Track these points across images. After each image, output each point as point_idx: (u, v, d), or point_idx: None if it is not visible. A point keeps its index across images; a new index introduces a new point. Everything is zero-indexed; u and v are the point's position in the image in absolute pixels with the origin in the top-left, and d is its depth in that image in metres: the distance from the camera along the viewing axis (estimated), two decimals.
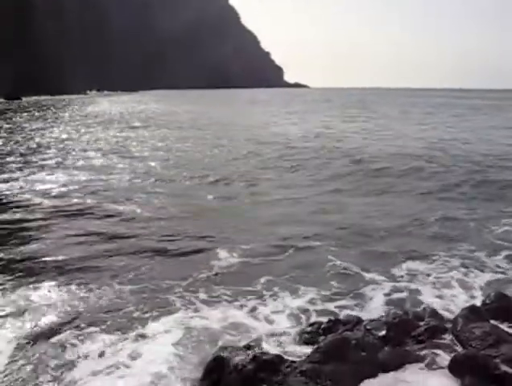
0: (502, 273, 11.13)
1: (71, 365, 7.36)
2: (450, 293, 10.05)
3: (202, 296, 9.95)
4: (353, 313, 9.11)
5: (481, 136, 40.33)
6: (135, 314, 9.10)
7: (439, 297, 9.87)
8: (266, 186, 21.16)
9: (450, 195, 19.39)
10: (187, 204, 17.61)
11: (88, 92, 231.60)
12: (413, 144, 34.68)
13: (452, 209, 16.85)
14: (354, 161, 27.28)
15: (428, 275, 10.98)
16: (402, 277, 10.95)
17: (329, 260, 11.88)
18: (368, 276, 10.99)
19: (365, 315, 8.90)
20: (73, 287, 10.23)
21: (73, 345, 7.95)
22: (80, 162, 27.66)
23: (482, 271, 11.19)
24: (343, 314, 9.11)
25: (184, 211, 16.59)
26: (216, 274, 11.08)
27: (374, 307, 9.49)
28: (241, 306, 9.58)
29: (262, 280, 10.74)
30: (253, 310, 9.45)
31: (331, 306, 9.58)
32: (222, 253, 12.33)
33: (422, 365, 6.72)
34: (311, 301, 9.79)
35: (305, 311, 9.36)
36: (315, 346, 7.10)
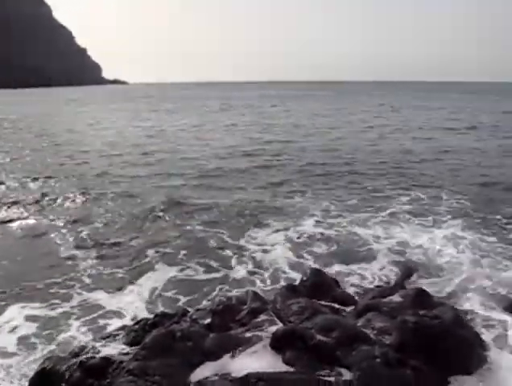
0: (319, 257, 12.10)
1: None
2: (267, 274, 10.65)
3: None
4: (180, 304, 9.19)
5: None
6: None
7: (261, 281, 10.41)
8: None
9: None
10: None
11: None
12: None
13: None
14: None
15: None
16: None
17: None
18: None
19: (193, 305, 9.02)
20: None
21: None
22: None
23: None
24: (170, 308, 9.13)
25: None
26: None
27: (201, 296, 9.66)
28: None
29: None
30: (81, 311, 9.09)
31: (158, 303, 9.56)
32: None
33: (246, 347, 6.90)
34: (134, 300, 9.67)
35: (132, 309, 9.21)
36: (142, 344, 6.98)
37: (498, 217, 14.84)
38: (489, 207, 16.07)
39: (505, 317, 8.57)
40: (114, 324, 8.75)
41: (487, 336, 7.94)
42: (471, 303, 9.17)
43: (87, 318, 9.08)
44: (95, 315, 9.19)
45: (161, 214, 15.49)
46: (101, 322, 8.98)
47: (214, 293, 9.89)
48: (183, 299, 9.80)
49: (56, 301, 9.78)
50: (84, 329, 8.70)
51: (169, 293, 10.10)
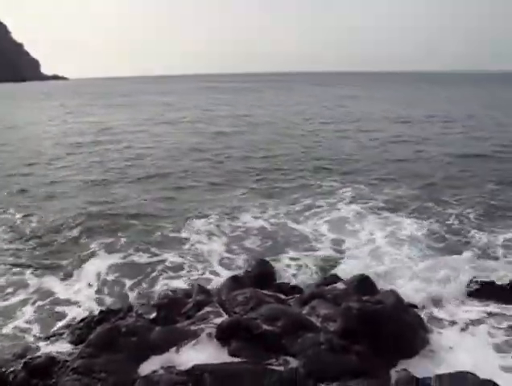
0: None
1: None
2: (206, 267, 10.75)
3: None
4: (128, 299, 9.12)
5: None
6: None
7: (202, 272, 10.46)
8: None
9: None
10: None
11: None
12: None
13: None
14: None
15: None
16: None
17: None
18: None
19: (138, 301, 8.95)
20: None
21: None
22: None
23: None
24: (115, 304, 9.04)
25: None
26: None
27: (149, 291, 9.60)
28: None
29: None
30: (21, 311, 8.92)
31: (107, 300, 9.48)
32: None
33: (192, 340, 6.93)
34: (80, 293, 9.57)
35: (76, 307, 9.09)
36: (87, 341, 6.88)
37: (433, 205, 15.34)
38: (427, 195, 16.58)
39: (443, 298, 8.94)
40: (61, 314, 8.65)
41: (428, 318, 8.25)
42: (412, 288, 9.48)
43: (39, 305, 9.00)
44: (45, 303, 9.13)
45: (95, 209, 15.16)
46: (50, 312, 8.88)
47: (155, 276, 9.93)
48: (127, 283, 9.91)
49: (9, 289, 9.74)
50: (31, 322, 8.54)
51: (113, 277, 10.16)
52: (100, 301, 9.31)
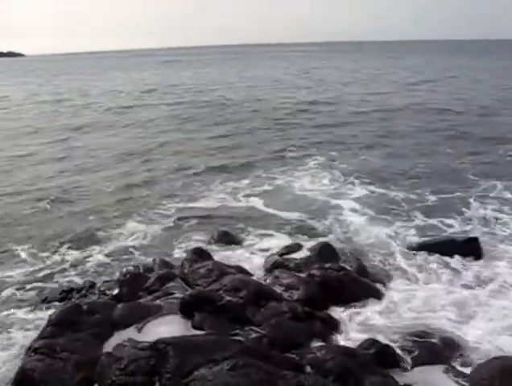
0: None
1: None
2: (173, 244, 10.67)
3: None
4: (89, 278, 8.96)
5: None
6: None
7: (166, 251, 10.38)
8: None
9: None
10: None
11: None
12: None
13: None
14: None
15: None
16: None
17: None
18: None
19: (101, 278, 8.84)
20: None
21: None
22: None
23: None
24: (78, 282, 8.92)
25: None
26: None
27: (110, 271, 9.48)
28: None
29: None
30: None
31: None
32: None
33: (156, 314, 6.91)
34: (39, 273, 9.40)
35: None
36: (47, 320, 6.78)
37: (399, 174, 15.59)
38: (392, 164, 16.81)
39: (401, 266, 9.20)
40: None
41: (386, 281, 8.47)
42: (372, 254, 9.69)
43: None
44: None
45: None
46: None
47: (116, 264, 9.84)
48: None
49: None
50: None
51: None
52: (61, 281, 9.15)
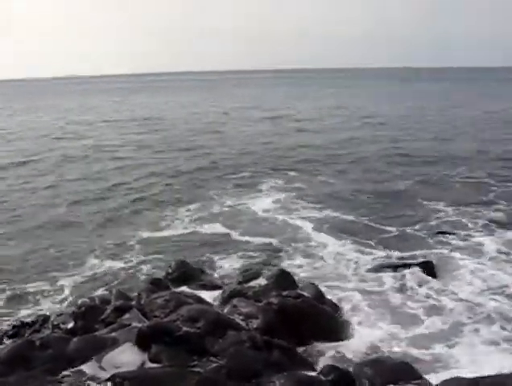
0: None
1: None
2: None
3: None
4: (42, 311, 8.74)
5: None
6: None
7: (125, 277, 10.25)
8: None
9: None
10: None
11: None
12: None
13: None
14: None
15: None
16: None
17: None
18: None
19: (56, 311, 8.62)
20: None
21: None
22: None
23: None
24: (29, 315, 8.66)
25: None
26: None
27: (62, 300, 9.28)
28: None
29: None
30: None
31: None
32: None
33: (112, 347, 6.71)
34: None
35: None
36: None
37: (357, 196, 16.03)
38: (351, 187, 17.26)
39: (357, 287, 9.37)
40: None
41: (344, 306, 8.60)
42: (329, 278, 9.83)
43: None
44: None
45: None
46: None
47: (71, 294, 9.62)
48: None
49: None
50: None
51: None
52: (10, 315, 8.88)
